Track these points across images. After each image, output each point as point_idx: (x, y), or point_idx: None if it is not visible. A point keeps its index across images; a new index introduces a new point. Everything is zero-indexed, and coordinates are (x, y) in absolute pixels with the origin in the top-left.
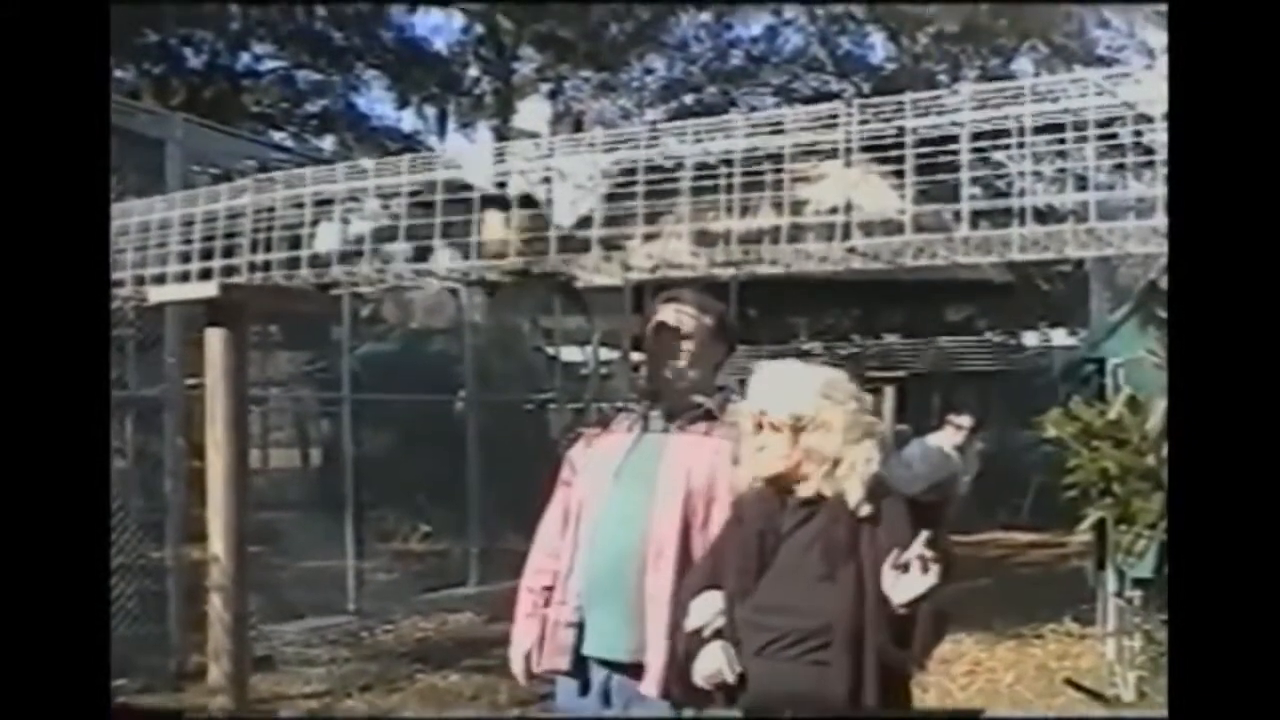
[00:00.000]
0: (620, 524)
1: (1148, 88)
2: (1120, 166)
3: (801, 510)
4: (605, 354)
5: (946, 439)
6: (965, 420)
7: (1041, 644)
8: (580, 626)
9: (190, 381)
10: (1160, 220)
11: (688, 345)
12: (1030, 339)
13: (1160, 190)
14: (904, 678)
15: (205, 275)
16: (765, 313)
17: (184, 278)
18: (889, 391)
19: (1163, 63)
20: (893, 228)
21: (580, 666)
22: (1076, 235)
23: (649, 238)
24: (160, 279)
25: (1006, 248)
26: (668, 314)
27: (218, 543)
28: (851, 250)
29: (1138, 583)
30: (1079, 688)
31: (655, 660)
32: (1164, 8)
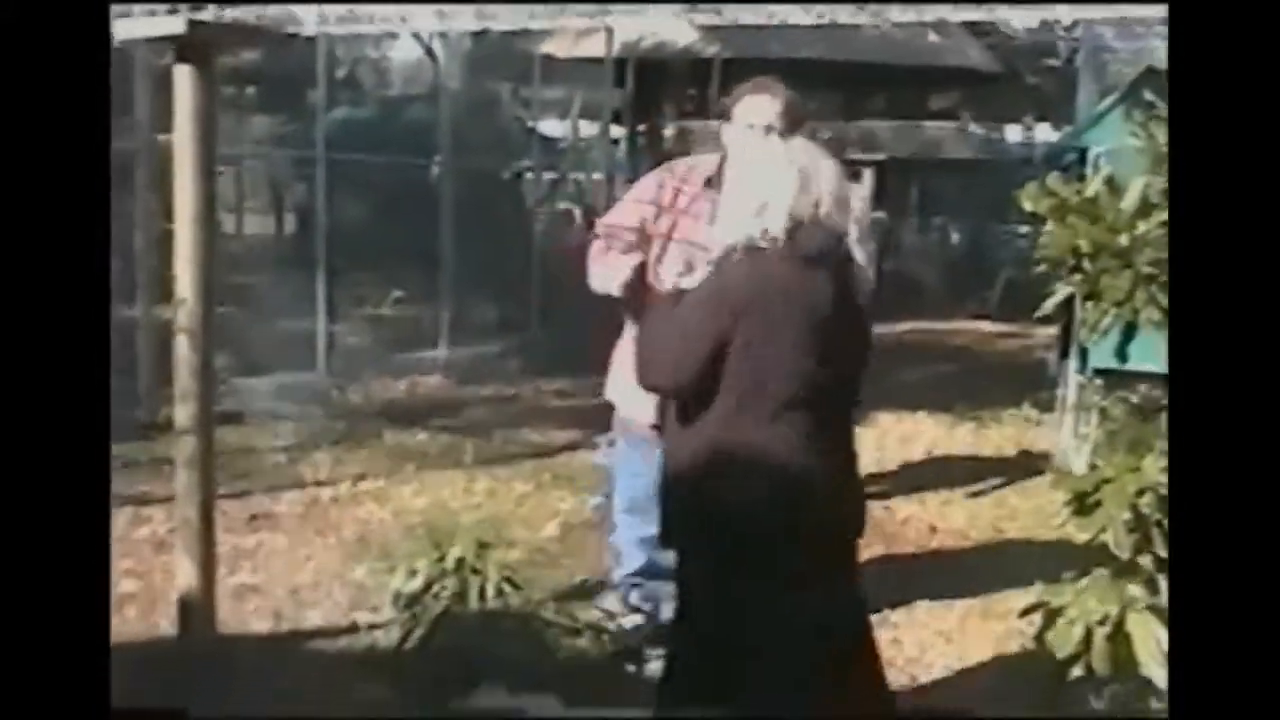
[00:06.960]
0: None
1: None
2: None
3: None
4: (585, 127)
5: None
6: None
7: (999, 427)
8: None
9: (162, 137)
10: None
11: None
12: (1013, 133)
13: None
14: None
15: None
16: None
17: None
18: (867, 174)
19: None
20: None
21: None
22: None
23: None
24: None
25: None
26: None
27: (185, 288)
28: None
29: (1099, 373)
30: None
31: None
32: None
